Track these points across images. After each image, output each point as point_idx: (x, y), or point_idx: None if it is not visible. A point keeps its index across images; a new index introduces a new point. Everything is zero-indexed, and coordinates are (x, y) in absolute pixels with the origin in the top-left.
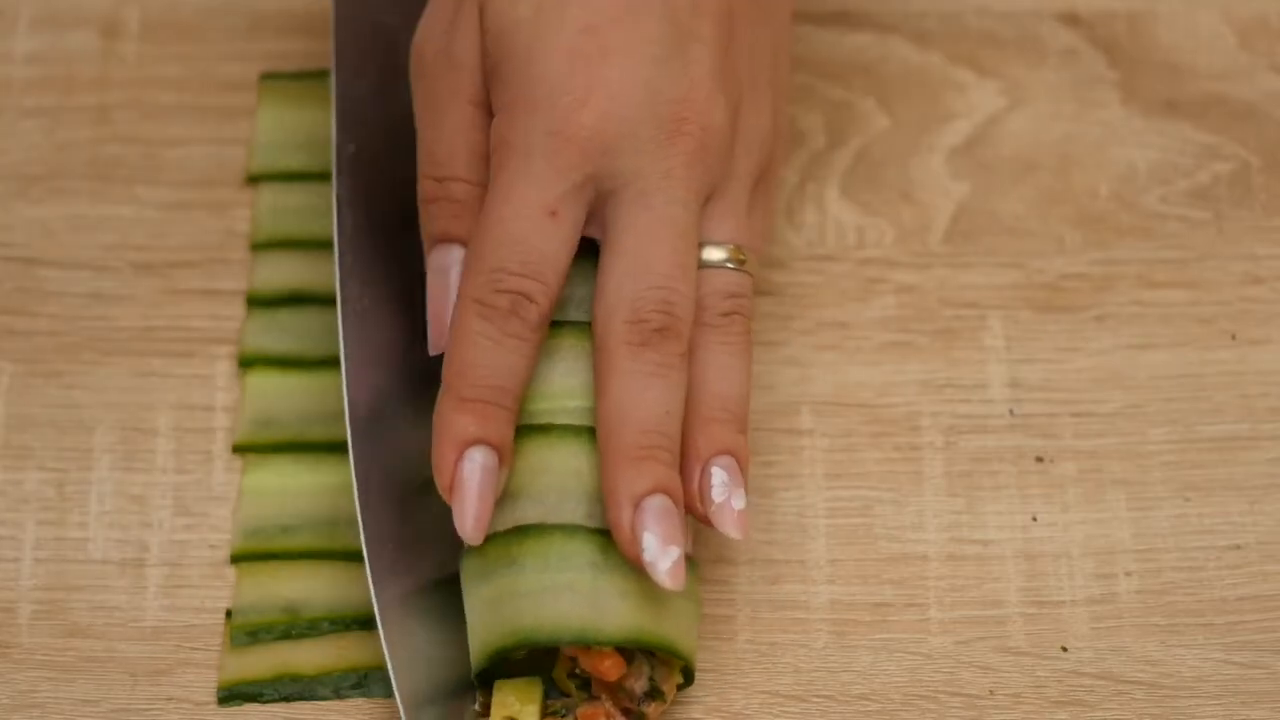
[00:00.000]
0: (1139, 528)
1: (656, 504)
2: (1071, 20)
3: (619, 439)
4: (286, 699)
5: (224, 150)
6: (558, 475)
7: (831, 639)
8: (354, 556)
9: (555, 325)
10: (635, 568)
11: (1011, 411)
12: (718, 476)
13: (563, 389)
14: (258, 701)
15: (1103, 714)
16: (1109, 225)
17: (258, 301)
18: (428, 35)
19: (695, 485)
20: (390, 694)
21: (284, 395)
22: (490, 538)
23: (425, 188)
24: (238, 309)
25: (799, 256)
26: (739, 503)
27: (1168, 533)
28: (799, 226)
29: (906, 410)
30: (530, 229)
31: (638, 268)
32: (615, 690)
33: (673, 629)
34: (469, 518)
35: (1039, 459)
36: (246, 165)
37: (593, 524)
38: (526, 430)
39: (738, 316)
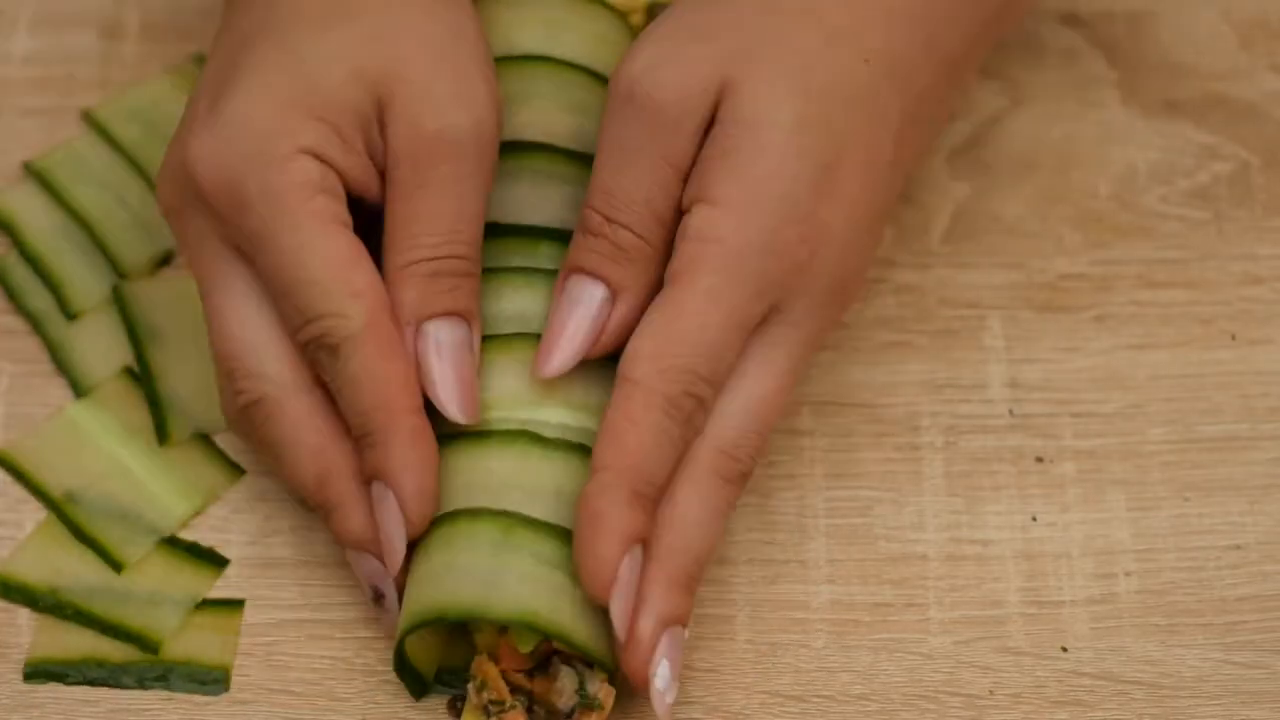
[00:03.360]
0: (1139, 528)
1: (679, 635)
2: (1071, 20)
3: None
4: (91, 683)
5: None
6: (464, 475)
7: (831, 639)
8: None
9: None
10: (635, 681)
11: (1011, 411)
12: (662, 674)
13: (492, 399)
14: (62, 682)
15: (1103, 714)
16: (1109, 225)
17: None
18: (653, 66)
19: (641, 657)
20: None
21: None
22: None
23: (592, 220)
24: None
25: None
26: (671, 697)
27: (1167, 533)
28: None
29: (906, 410)
30: (728, 342)
31: (754, 401)
32: (541, 699)
33: (578, 624)
34: (624, 614)
35: (1039, 459)
36: None
37: (497, 506)
38: (445, 439)
39: (744, 480)
